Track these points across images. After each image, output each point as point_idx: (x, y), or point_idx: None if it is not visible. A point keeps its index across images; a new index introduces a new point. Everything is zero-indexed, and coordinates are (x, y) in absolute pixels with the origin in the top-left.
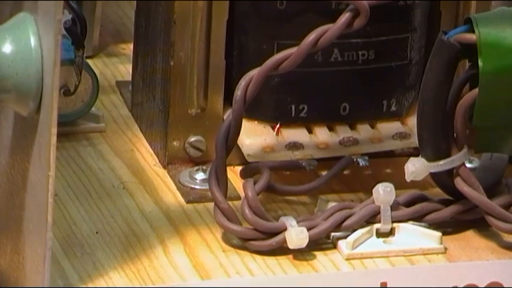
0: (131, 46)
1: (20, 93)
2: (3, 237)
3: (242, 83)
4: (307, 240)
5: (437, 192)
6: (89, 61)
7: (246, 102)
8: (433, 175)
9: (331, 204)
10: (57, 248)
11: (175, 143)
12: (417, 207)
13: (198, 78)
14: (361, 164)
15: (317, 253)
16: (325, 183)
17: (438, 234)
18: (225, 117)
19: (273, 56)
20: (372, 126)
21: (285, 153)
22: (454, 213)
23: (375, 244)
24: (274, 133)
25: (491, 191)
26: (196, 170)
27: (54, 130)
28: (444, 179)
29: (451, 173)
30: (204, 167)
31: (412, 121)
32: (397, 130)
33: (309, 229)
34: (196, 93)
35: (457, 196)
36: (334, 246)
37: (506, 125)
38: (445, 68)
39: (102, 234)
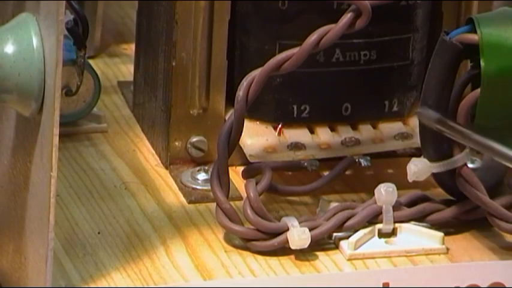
0: (133, 46)
1: (22, 93)
2: (5, 238)
3: (244, 83)
4: (309, 241)
5: (439, 192)
6: (91, 61)
7: (248, 103)
8: (435, 175)
9: (333, 205)
10: (59, 248)
11: (177, 143)
12: (419, 207)
13: (200, 79)
14: (363, 165)
15: (319, 253)
16: (327, 183)
17: (440, 234)
18: (227, 117)
19: (275, 56)
20: (374, 127)
21: (286, 154)
22: (456, 214)
23: (377, 244)
24: (276, 133)
25: (493, 191)
26: (198, 171)
27: (56, 130)
28: (446, 179)
29: (453, 173)
30: (206, 167)
31: (414, 121)
32: (399, 130)
33: (311, 229)
34: (198, 94)
35: (459, 196)
36: (336, 247)
37: (508, 125)
38: (447, 68)
39: (104, 235)
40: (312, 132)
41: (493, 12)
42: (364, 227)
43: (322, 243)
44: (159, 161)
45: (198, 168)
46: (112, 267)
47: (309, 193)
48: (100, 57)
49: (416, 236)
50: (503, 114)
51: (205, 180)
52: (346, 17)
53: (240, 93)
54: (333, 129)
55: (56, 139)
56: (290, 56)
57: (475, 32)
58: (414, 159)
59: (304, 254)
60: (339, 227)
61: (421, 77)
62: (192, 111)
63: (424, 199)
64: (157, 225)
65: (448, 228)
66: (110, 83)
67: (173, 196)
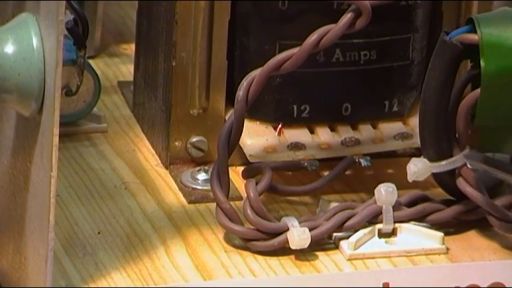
0: (133, 46)
1: (22, 93)
2: (5, 238)
3: (244, 83)
4: (309, 241)
5: (439, 192)
6: (91, 61)
7: (248, 103)
8: (435, 175)
9: (333, 205)
10: (59, 248)
11: (177, 143)
12: (419, 207)
13: (200, 79)
14: (363, 165)
15: (319, 253)
16: (327, 183)
17: (440, 234)
18: (227, 117)
19: (275, 56)
20: (374, 127)
21: (286, 154)
22: (456, 214)
23: (377, 244)
24: (276, 133)
25: (493, 192)
26: (198, 171)
27: (56, 130)
28: (446, 180)
29: (453, 174)
30: (206, 167)
31: (414, 121)
32: (399, 130)
33: (311, 229)
34: (198, 94)
35: (459, 196)
36: (336, 247)
37: (508, 125)
38: (447, 68)
39: (104, 235)
40: (312, 132)
41: (493, 12)
42: (364, 227)
43: (322, 243)
44: (159, 161)
45: (198, 168)
46: (112, 267)
47: (309, 193)
48: (100, 57)
49: (416, 236)
50: (503, 114)
51: (205, 180)
52: (346, 17)
53: (240, 93)
54: (333, 129)
55: (56, 139)
56: (290, 56)
57: (475, 32)
58: (414, 159)
59: (304, 254)
60: (339, 227)
61: (421, 77)
62: (192, 111)
63: (424, 199)
64: (157, 225)
65: (448, 228)
66: (110, 83)
67: (173, 196)
